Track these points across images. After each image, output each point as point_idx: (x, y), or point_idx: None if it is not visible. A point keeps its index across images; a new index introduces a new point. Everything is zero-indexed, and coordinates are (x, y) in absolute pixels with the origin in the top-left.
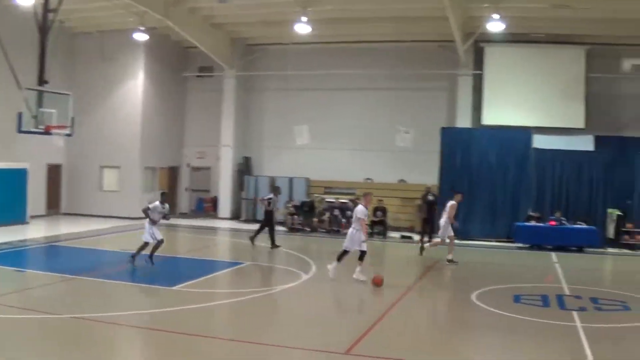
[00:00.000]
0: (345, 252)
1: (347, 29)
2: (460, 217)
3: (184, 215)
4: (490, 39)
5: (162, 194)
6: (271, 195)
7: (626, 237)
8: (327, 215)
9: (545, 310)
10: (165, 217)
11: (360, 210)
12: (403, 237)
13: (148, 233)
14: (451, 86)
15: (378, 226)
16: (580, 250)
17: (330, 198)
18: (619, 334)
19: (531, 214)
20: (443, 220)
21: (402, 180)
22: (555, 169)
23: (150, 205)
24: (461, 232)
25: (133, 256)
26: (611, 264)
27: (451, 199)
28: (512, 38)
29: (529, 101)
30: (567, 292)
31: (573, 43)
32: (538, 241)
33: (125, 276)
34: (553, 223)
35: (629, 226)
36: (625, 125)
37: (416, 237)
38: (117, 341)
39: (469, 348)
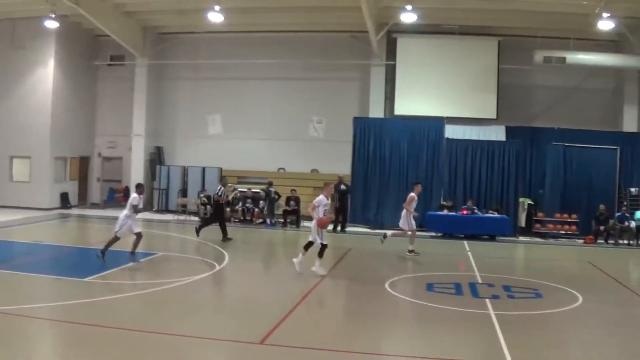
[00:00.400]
0: (310, 243)
1: (260, 18)
2: (373, 206)
3: (95, 206)
4: (403, 30)
5: (139, 186)
6: (221, 187)
7: (537, 225)
8: (239, 206)
9: (459, 299)
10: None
11: (318, 200)
12: None
13: (126, 227)
14: (364, 76)
15: (291, 216)
16: (492, 238)
17: (242, 188)
18: (531, 321)
19: (443, 203)
20: (404, 212)
21: (314, 170)
22: (467, 158)
23: (135, 203)
24: (374, 222)
25: (103, 252)
26: (523, 252)
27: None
28: (425, 29)
29: (442, 91)
30: (479, 280)
31: (486, 35)
32: (450, 230)
33: (36, 268)
34: (465, 212)
35: (540, 215)
36: (536, 116)
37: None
38: (27, 334)
39: (383, 337)
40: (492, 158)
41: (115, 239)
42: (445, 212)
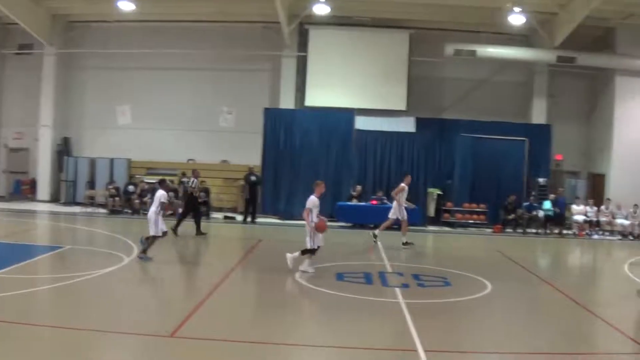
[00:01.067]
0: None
1: (172, 7)
2: (283, 197)
3: (0, 199)
4: (315, 22)
5: (163, 182)
6: (193, 179)
7: (446, 215)
8: (148, 197)
9: (369, 288)
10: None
11: (312, 201)
12: (226, 217)
13: (157, 225)
14: (275, 67)
15: (201, 207)
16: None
17: (151, 179)
18: (441, 309)
19: (353, 193)
20: (395, 204)
21: (225, 161)
22: (377, 149)
23: (164, 200)
24: (284, 213)
25: (144, 251)
26: (432, 241)
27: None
28: (337, 21)
29: (353, 83)
30: (389, 269)
31: (397, 27)
32: (360, 220)
33: None
34: (374, 202)
35: (448, 205)
36: (447, 108)
37: (239, 218)
38: None
39: (294, 327)
40: (401, 149)
41: (156, 237)
42: (355, 202)
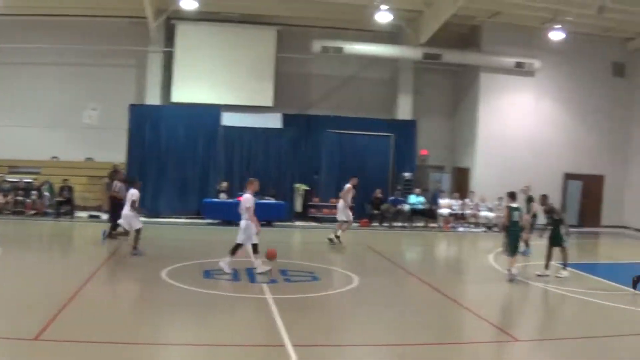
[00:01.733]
0: (239, 246)
1: (36, 1)
2: (149, 195)
3: None
4: (183, 17)
5: (136, 181)
6: (116, 183)
7: (313, 210)
8: (11, 197)
9: (236, 284)
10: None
11: (247, 198)
12: (91, 216)
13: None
14: (141, 63)
15: (65, 206)
16: (269, 224)
17: (13, 178)
18: (309, 304)
19: (220, 189)
20: (341, 204)
21: (89, 159)
22: (244, 145)
23: (135, 198)
24: (151, 209)
25: (135, 247)
26: (299, 236)
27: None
28: (204, 16)
29: (220, 79)
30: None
31: (265, 24)
32: (227, 216)
33: None
34: (241, 199)
35: (315, 200)
36: (314, 104)
37: (105, 217)
38: None
39: (161, 326)
40: (268, 145)
41: (127, 233)
42: (222, 198)
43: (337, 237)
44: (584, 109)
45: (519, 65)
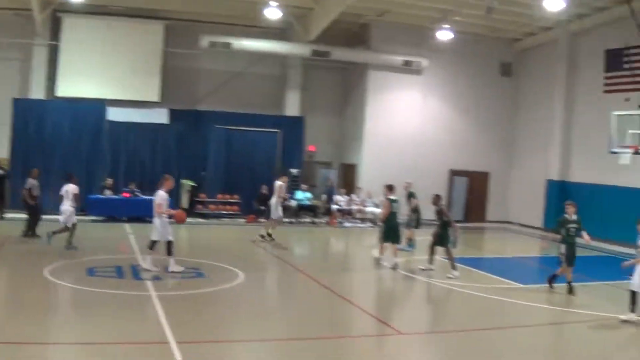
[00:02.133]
0: (155, 242)
1: None
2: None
3: None
4: (69, 9)
5: (73, 176)
6: (30, 179)
7: (200, 206)
8: None
9: (120, 282)
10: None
11: (159, 195)
12: None
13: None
14: (26, 56)
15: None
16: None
17: None
18: (194, 300)
19: (105, 186)
20: (273, 201)
21: None
22: (129, 141)
23: (76, 192)
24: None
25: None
26: (185, 232)
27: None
28: (91, 9)
29: (106, 74)
30: (141, 262)
31: (152, 18)
32: (112, 213)
33: None
34: (127, 195)
35: (202, 196)
36: (202, 100)
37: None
38: None
39: (44, 325)
40: (154, 141)
41: (67, 229)
42: (107, 195)
43: (269, 234)
44: (471, 108)
45: (407, 63)
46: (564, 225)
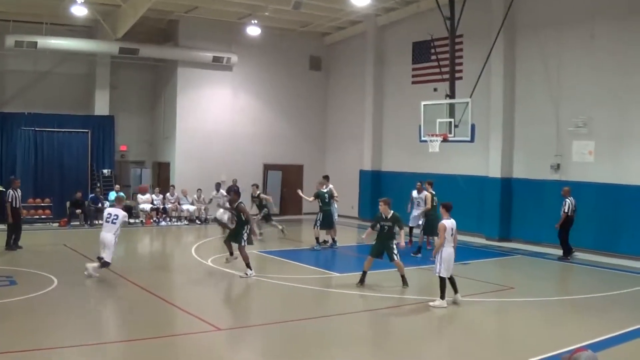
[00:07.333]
0: None
1: None
2: None
3: None
4: None
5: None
6: (11, 191)
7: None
8: None
9: None
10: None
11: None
12: None
13: None
14: None
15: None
16: None
17: None
18: (7, 309)
19: None
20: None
21: None
22: None
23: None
24: None
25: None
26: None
27: None
28: None
29: None
30: None
31: None
32: None
33: None
34: None
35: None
36: (8, 101)
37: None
38: None
39: None
40: None
41: None
42: None
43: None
44: (283, 102)
45: (216, 59)
46: (378, 222)
